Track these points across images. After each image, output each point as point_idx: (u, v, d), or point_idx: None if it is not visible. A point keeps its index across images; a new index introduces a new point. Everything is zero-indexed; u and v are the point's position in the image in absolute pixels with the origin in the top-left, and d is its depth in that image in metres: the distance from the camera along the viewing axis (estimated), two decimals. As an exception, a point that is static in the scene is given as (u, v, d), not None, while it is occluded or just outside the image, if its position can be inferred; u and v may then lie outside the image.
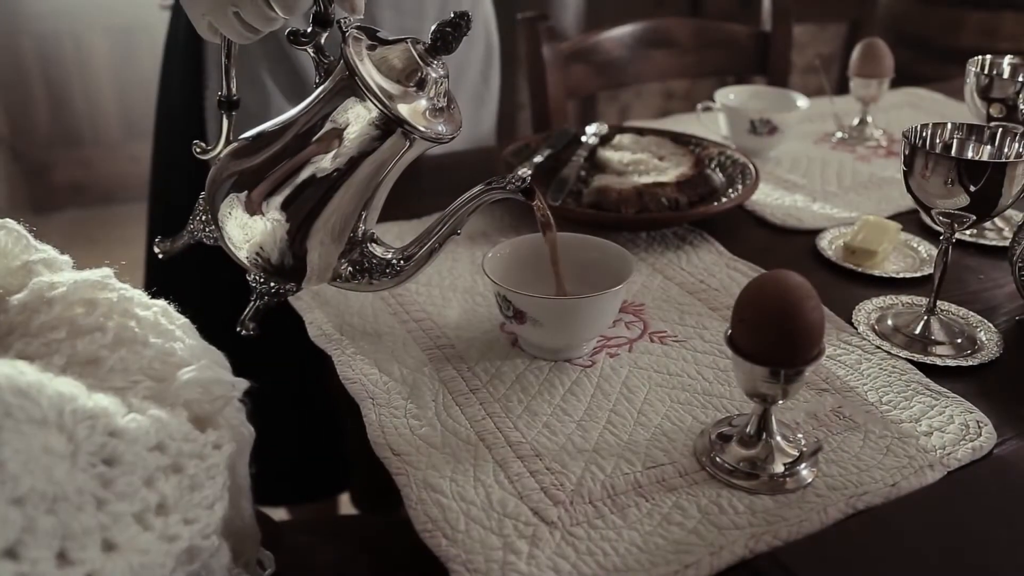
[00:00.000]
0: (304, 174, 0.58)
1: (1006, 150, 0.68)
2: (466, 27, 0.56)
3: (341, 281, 0.63)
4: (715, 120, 1.15)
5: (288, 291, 0.63)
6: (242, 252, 0.60)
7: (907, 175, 0.68)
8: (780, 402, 0.56)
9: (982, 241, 0.90)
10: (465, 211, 0.62)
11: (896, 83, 1.46)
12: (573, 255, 0.73)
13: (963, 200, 0.66)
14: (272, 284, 0.62)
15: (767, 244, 0.91)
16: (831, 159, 1.12)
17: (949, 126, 0.69)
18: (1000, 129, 0.68)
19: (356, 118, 0.57)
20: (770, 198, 1.00)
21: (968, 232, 0.91)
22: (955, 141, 0.70)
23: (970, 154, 0.69)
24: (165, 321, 0.51)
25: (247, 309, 0.64)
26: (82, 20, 2.62)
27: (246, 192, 0.59)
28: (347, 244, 0.62)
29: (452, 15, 0.56)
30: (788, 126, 1.09)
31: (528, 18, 1.29)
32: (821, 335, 0.54)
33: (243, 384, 0.51)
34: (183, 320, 0.53)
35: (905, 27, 2.96)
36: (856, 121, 1.19)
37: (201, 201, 0.64)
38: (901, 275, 0.82)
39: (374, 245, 0.63)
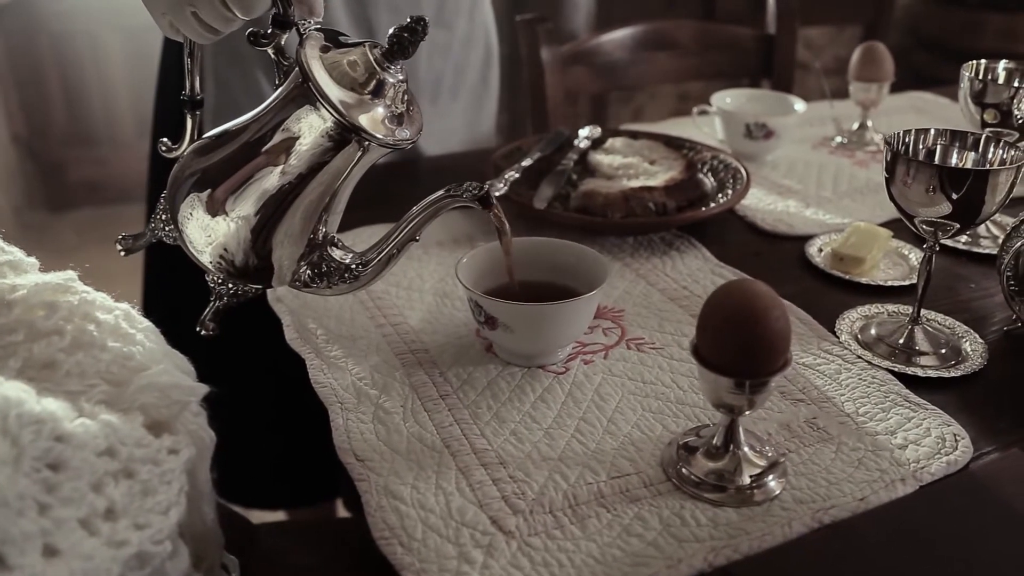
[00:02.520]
0: (264, 177, 0.58)
1: (990, 157, 0.67)
2: (423, 32, 0.55)
3: (300, 284, 0.63)
4: (711, 124, 1.14)
5: (248, 292, 0.63)
6: (204, 256, 0.60)
7: (889, 182, 0.67)
8: (747, 413, 0.55)
9: (976, 249, 0.88)
10: (422, 219, 0.61)
11: (914, 85, 1.44)
12: (550, 260, 0.73)
13: (945, 208, 0.64)
14: (231, 285, 0.62)
15: (756, 250, 0.90)
16: (828, 164, 1.11)
17: (932, 132, 0.68)
18: (984, 136, 0.67)
19: (310, 127, 0.57)
20: (762, 203, 0.99)
21: (962, 240, 0.90)
22: (939, 148, 0.68)
23: (953, 161, 0.68)
24: (126, 325, 0.51)
25: (207, 310, 0.64)
26: (98, 20, 2.65)
27: (207, 192, 0.59)
28: (307, 247, 0.62)
29: (409, 20, 0.55)
30: (784, 130, 1.08)
31: (527, 20, 1.29)
32: (787, 345, 0.53)
33: (202, 389, 0.51)
34: (146, 324, 0.53)
35: (924, 29, 2.93)
36: (855, 125, 1.18)
37: (162, 200, 0.63)
38: (889, 283, 0.81)
39: (334, 249, 0.63)
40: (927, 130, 0.68)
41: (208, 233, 0.60)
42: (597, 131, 1.07)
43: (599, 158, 0.99)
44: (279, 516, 1.43)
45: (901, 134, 0.68)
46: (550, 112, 1.31)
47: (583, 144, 1.04)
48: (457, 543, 0.52)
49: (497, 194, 0.89)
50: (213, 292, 0.64)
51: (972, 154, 0.67)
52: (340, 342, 0.71)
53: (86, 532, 0.42)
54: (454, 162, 1.16)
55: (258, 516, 1.43)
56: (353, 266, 0.62)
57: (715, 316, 0.53)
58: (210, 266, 0.61)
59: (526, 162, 0.97)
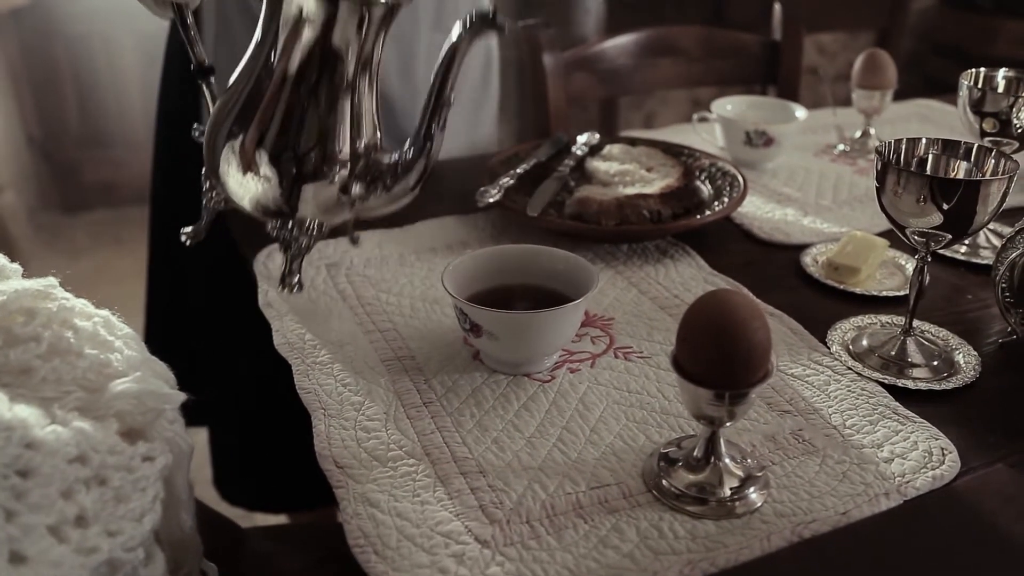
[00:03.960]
0: (282, 98, 0.58)
1: (983, 166, 0.66)
2: None
3: (360, 203, 0.61)
4: (712, 131, 1.13)
5: (311, 233, 0.61)
6: (244, 202, 0.60)
7: (879, 192, 0.66)
8: (728, 424, 0.55)
9: (976, 260, 0.87)
10: (448, 70, 0.60)
11: (928, 92, 1.42)
12: (540, 266, 0.72)
13: (936, 219, 0.63)
14: (292, 229, 0.61)
15: (751, 259, 0.89)
16: (829, 172, 1.10)
17: (924, 141, 0.67)
18: (976, 145, 0.66)
19: (297, 17, 0.56)
20: (760, 211, 0.98)
21: (962, 250, 0.89)
22: (930, 157, 0.67)
23: (945, 171, 0.67)
24: (104, 332, 0.52)
25: (283, 266, 0.63)
26: (112, 23, 2.68)
27: (234, 140, 0.59)
28: (351, 159, 0.60)
29: None
30: (784, 137, 1.07)
31: (529, 25, 1.29)
32: (767, 356, 0.52)
33: (179, 397, 0.51)
34: (126, 331, 0.53)
35: (938, 35, 2.91)
36: (858, 133, 1.17)
37: (204, 174, 0.64)
38: (884, 294, 0.80)
39: (379, 153, 0.61)
40: (918, 139, 0.67)
41: (243, 184, 0.60)
42: (595, 137, 1.06)
43: (596, 164, 0.98)
44: (282, 519, 1.43)
45: (892, 143, 0.67)
46: (552, 118, 1.31)
47: (581, 150, 1.03)
48: (431, 552, 0.51)
49: (491, 200, 0.89)
50: (281, 245, 0.63)
51: (964, 164, 0.67)
52: (327, 347, 0.71)
53: (55, 539, 0.42)
54: (451, 168, 1.16)
55: (261, 520, 1.44)
56: (402, 159, 0.61)
57: (694, 327, 0.52)
58: (252, 212, 0.61)
59: (521, 168, 0.97)
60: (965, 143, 0.67)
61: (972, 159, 0.66)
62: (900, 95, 1.40)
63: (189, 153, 1.15)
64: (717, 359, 0.52)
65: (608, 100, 2.55)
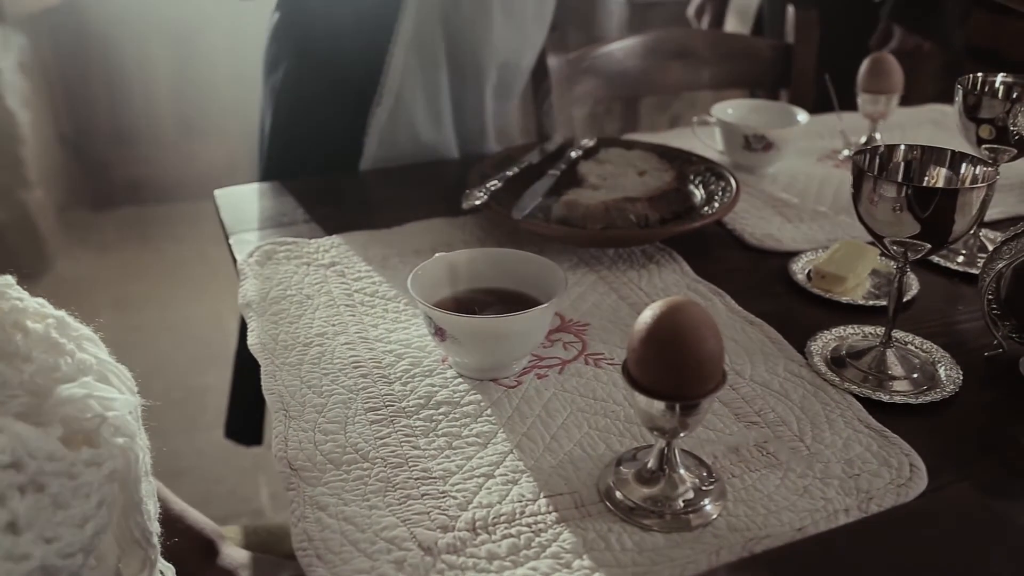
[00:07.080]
0: None
1: (962, 174, 0.64)
2: None
3: None
4: (712, 135, 1.12)
5: None
6: None
7: (856, 200, 0.64)
8: (682, 435, 0.54)
9: (972, 270, 0.84)
10: None
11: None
12: (514, 270, 0.71)
13: (913, 228, 0.62)
14: None
15: (738, 265, 0.87)
16: (831, 177, 1.07)
17: (903, 148, 0.65)
18: (956, 152, 0.64)
19: None
20: (754, 217, 0.96)
21: (958, 260, 0.86)
22: (912, 165, 0.66)
23: (925, 179, 0.65)
24: (57, 334, 0.51)
25: None
26: (143, 24, 2.72)
27: None
28: None
29: None
30: (785, 142, 1.05)
31: (533, 27, 1.28)
32: (719, 366, 0.51)
33: (128, 403, 0.51)
34: (82, 331, 0.53)
35: (974, 39, 2.83)
36: (864, 139, 1.14)
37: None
38: (870, 303, 0.78)
39: None
40: (897, 146, 0.65)
41: None
42: (591, 140, 1.05)
43: (587, 168, 0.97)
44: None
45: (871, 149, 0.65)
46: (556, 120, 1.30)
47: (575, 153, 1.02)
48: (372, 558, 0.51)
49: (476, 203, 0.88)
50: None
51: (944, 171, 0.65)
52: (298, 349, 0.71)
53: None
54: (444, 168, 1.16)
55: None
56: None
57: (645, 336, 0.51)
58: None
59: (511, 171, 0.96)
60: (947, 150, 0.65)
61: (952, 167, 0.64)
62: (935, 99, 1.37)
63: (304, 147, 1.15)
64: (667, 369, 0.51)
65: (629, 101, 2.53)
